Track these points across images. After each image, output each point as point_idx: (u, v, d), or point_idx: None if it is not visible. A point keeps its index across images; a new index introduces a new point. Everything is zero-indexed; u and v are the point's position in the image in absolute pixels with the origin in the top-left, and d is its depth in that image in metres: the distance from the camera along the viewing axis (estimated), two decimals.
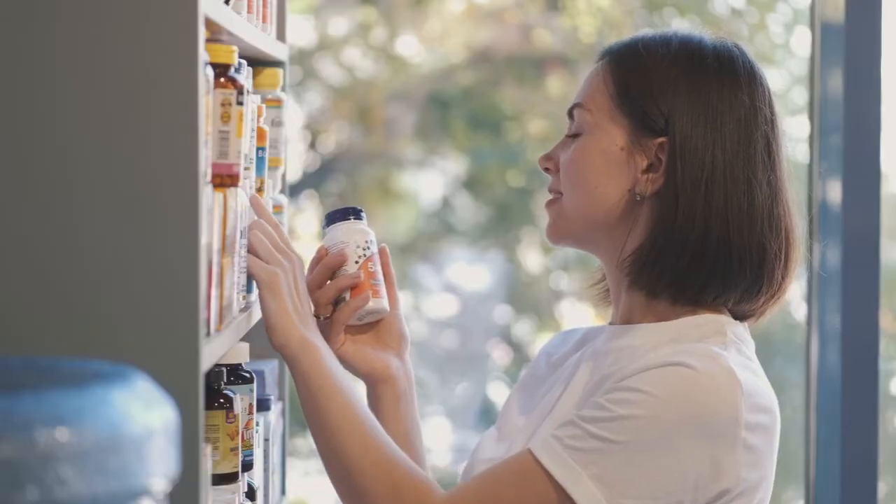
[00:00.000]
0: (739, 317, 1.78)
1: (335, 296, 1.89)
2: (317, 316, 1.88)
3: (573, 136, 1.79)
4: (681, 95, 1.73)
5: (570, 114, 1.80)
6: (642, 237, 1.74)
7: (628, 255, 1.75)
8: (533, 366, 1.93)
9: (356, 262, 1.90)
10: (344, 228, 1.92)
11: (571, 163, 1.78)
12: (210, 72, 1.57)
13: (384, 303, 1.91)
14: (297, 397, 1.79)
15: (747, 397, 1.64)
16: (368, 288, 1.90)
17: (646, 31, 1.81)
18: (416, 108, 5.77)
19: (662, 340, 1.72)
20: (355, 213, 1.93)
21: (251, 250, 1.78)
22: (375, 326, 1.94)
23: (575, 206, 1.78)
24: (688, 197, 1.71)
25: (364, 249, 1.90)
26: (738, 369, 1.66)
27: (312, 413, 1.76)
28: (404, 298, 5.82)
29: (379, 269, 1.92)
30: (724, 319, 1.74)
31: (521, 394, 1.90)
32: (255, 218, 1.82)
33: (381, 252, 1.94)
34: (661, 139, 1.73)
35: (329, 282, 1.89)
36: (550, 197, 1.82)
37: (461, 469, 1.90)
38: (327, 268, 1.89)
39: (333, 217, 1.94)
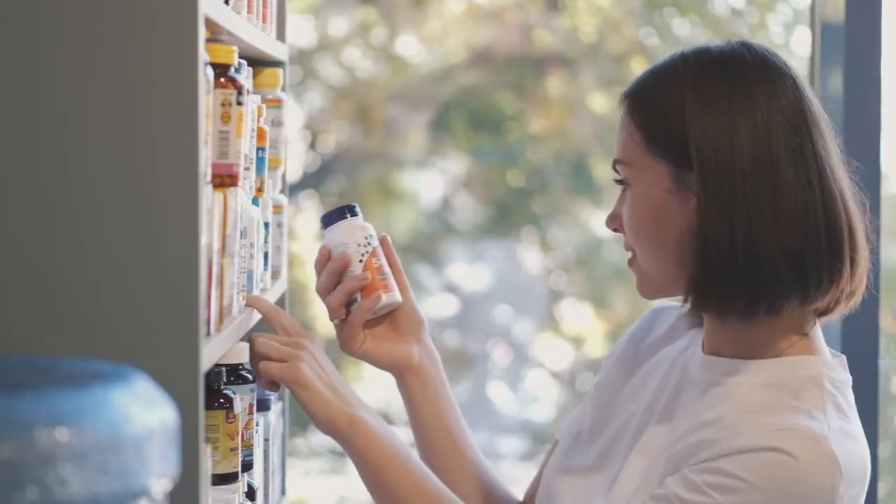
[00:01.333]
0: (826, 311, 1.74)
1: (346, 299, 1.89)
2: (331, 320, 1.90)
3: (623, 188, 1.76)
4: (695, 120, 1.68)
5: (614, 168, 1.77)
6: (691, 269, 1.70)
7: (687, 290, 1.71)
8: (621, 351, 1.90)
9: (360, 262, 1.90)
10: (342, 228, 1.92)
11: (629, 220, 1.74)
12: (210, 72, 1.57)
13: (396, 294, 1.92)
14: (357, 471, 1.81)
15: (846, 477, 1.62)
16: (378, 285, 1.90)
17: (656, 63, 1.76)
18: (420, 107, 5.77)
19: (758, 383, 1.68)
20: (350, 211, 1.93)
21: (263, 356, 1.80)
22: (391, 316, 1.94)
23: (648, 261, 1.74)
24: (713, 220, 1.66)
25: (365, 246, 1.90)
26: (839, 449, 1.62)
27: (376, 485, 1.79)
28: None
29: (384, 261, 1.92)
30: (819, 362, 1.70)
31: (611, 383, 1.87)
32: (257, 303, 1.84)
33: (383, 241, 1.94)
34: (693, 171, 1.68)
35: (339, 286, 1.89)
36: (630, 255, 1.78)
37: (539, 466, 1.92)
38: (333, 272, 1.89)
39: (330, 218, 1.93)
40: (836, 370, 1.72)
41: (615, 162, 1.76)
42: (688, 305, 1.72)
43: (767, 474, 1.60)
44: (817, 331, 1.75)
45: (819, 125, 1.72)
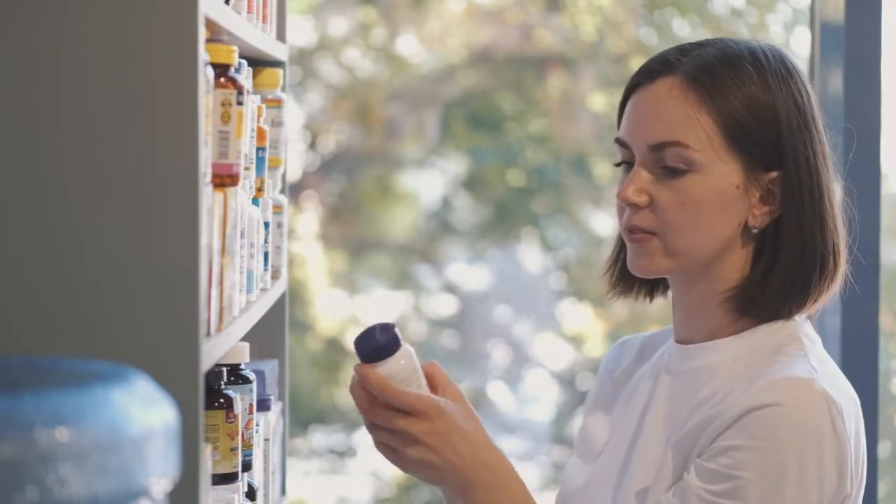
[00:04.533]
0: None
1: None
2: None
3: (671, 172, 1.71)
4: (784, 123, 1.71)
5: (658, 148, 1.71)
6: (752, 265, 1.73)
7: (741, 285, 1.73)
8: (598, 387, 1.91)
9: (419, 387, 1.71)
10: (395, 364, 1.69)
11: (686, 206, 1.71)
12: (210, 72, 1.57)
13: None
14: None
15: (842, 413, 1.65)
16: None
17: (697, 45, 1.75)
18: (420, 107, 5.77)
19: (739, 354, 1.71)
20: (395, 340, 1.69)
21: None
22: None
23: (685, 247, 1.72)
24: (810, 226, 1.71)
25: (414, 371, 1.71)
26: (827, 387, 1.65)
27: None
28: (404, 298, 5.81)
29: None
30: (791, 323, 1.74)
31: (595, 416, 1.88)
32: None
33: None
34: (773, 173, 1.71)
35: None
36: (637, 234, 1.73)
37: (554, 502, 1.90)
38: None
39: (378, 352, 1.68)
40: (807, 327, 1.76)
41: (669, 144, 1.70)
42: (730, 301, 1.73)
43: (767, 432, 1.63)
44: None
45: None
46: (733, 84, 1.71)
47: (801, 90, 1.73)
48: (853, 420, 1.68)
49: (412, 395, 1.68)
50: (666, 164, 1.71)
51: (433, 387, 1.74)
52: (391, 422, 1.68)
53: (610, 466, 1.79)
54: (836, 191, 1.74)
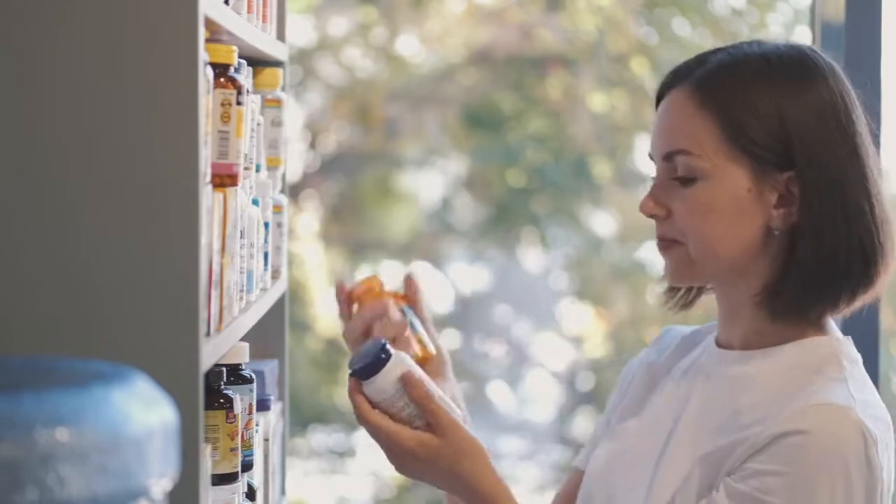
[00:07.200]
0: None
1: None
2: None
3: (683, 180, 1.72)
4: (790, 122, 1.69)
5: (668, 157, 1.73)
6: (779, 267, 1.71)
7: (768, 287, 1.72)
8: (635, 373, 1.91)
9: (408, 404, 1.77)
10: (385, 379, 1.75)
11: (696, 213, 1.72)
12: (210, 72, 1.57)
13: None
14: None
15: (877, 443, 1.64)
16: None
17: (723, 56, 1.74)
18: (419, 107, 5.77)
19: (777, 368, 1.70)
20: (386, 353, 1.75)
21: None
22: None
23: (706, 253, 1.72)
24: (830, 225, 1.69)
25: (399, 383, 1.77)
26: (863, 416, 1.64)
27: None
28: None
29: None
30: (833, 340, 1.72)
31: (629, 400, 1.88)
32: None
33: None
34: (788, 173, 1.69)
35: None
36: (663, 243, 1.75)
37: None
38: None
39: (363, 371, 1.75)
40: (849, 347, 1.74)
41: (678, 153, 1.72)
42: (761, 305, 1.73)
43: (794, 458, 1.62)
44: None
45: (863, 122, 1.77)
46: (735, 88, 1.71)
47: (824, 88, 1.72)
48: (886, 447, 1.66)
49: (405, 433, 1.74)
50: (677, 173, 1.72)
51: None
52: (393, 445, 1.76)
53: (642, 459, 1.78)
54: (873, 187, 1.71)
